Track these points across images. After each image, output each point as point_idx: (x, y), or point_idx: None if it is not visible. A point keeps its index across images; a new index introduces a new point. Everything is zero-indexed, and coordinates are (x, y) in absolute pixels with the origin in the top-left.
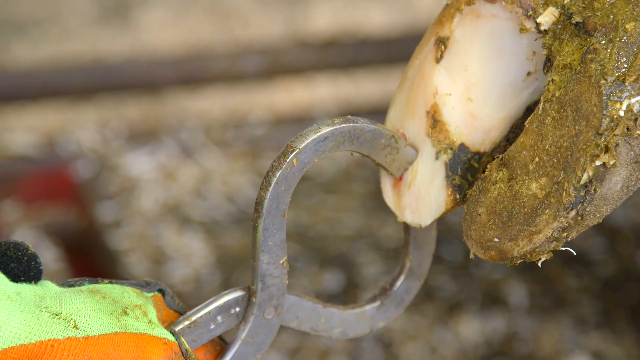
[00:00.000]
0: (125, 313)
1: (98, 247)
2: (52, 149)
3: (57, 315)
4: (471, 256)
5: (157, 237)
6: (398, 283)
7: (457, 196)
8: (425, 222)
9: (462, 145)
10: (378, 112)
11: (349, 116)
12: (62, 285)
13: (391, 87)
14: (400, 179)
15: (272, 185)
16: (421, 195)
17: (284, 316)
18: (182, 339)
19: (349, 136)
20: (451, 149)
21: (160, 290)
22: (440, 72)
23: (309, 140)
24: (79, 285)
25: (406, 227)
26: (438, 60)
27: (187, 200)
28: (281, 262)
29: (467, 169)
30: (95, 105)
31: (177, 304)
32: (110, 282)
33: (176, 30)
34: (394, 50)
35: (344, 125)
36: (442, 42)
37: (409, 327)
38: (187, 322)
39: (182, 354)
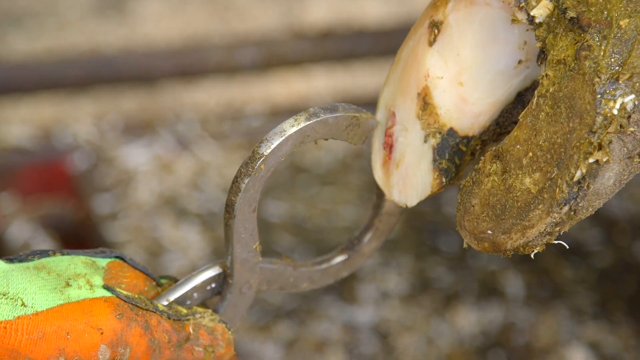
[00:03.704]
0: (68, 285)
1: (94, 239)
2: (48, 141)
3: (4, 295)
4: (465, 246)
5: (154, 229)
6: (365, 239)
7: (443, 180)
8: (411, 203)
9: (451, 129)
10: (374, 104)
11: (311, 109)
12: (12, 261)
13: None
14: (390, 157)
15: (242, 191)
16: (408, 176)
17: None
18: (117, 289)
19: (313, 130)
20: (440, 133)
21: (118, 257)
22: (433, 56)
23: (275, 145)
24: (29, 261)
25: (378, 192)
26: (431, 43)
27: (183, 192)
28: (254, 247)
29: (455, 153)
30: (92, 97)
31: (139, 264)
32: (62, 253)
33: (173, 22)
34: (391, 42)
35: (308, 123)
36: (435, 26)
37: (405, 318)
38: (165, 303)
39: (124, 300)
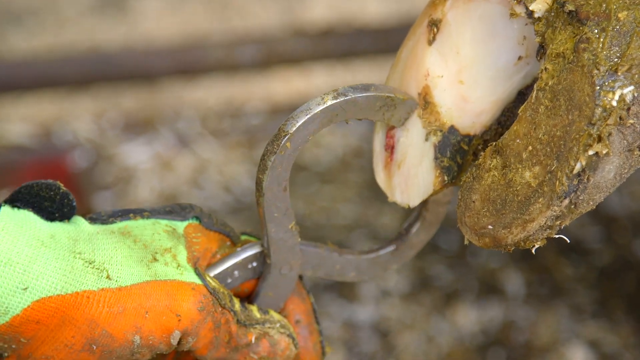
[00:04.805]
0: (155, 259)
1: None
2: (48, 139)
3: (90, 263)
4: (465, 242)
5: None
6: (414, 229)
7: (445, 178)
8: (413, 203)
9: (452, 127)
10: None
11: (340, 89)
12: (94, 221)
13: None
14: (391, 159)
15: (269, 168)
16: (410, 176)
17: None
18: (208, 278)
19: (342, 110)
20: (441, 131)
21: (196, 217)
22: (432, 54)
23: (300, 122)
24: (111, 223)
25: None
26: (430, 42)
27: (183, 190)
28: (289, 227)
29: (457, 151)
30: (92, 95)
31: (216, 223)
32: (142, 217)
33: (173, 20)
34: (391, 40)
35: (335, 101)
36: (434, 25)
37: (406, 316)
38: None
39: (210, 293)
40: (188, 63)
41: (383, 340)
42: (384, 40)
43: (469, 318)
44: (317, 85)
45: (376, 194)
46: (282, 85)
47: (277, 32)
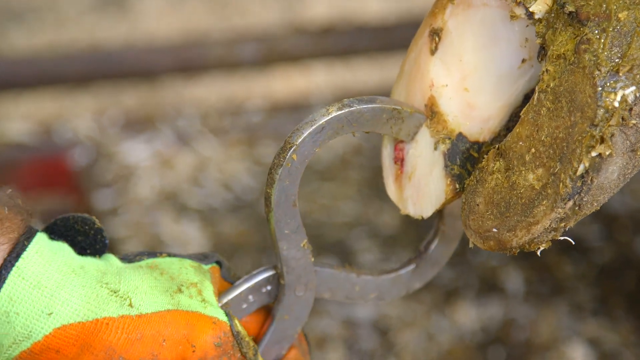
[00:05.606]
0: (180, 291)
1: None
2: (49, 137)
3: (115, 292)
4: (470, 245)
5: (154, 224)
6: (433, 246)
7: (457, 186)
8: (426, 213)
9: (460, 135)
10: None
11: (345, 100)
12: (123, 259)
13: (388, 74)
14: (402, 171)
15: (276, 181)
16: (421, 187)
17: (317, 289)
18: (236, 321)
19: (347, 121)
20: (449, 139)
21: (218, 262)
22: (436, 64)
23: (306, 134)
24: (138, 261)
25: None
26: (433, 52)
27: (183, 188)
28: (302, 244)
29: (467, 159)
30: (92, 93)
31: (232, 275)
32: (169, 255)
33: (173, 18)
34: (391, 38)
35: (340, 112)
36: (436, 34)
37: (406, 314)
38: (219, 305)
39: (233, 334)
40: (188, 61)
41: (383, 338)
42: (384, 38)
43: (469, 316)
44: (318, 83)
45: (376, 192)
46: (282, 83)
47: (278, 30)
